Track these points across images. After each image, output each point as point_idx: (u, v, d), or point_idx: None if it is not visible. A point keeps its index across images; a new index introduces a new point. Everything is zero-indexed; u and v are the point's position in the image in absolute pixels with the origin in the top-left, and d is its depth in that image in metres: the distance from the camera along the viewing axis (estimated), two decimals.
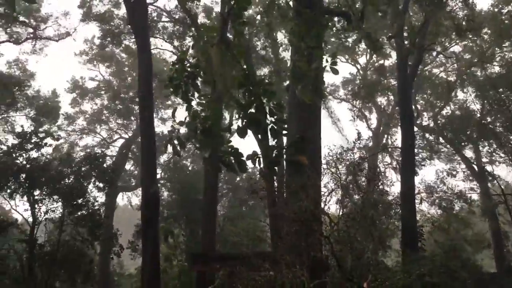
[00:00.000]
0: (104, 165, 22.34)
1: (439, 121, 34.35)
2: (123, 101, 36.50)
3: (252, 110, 5.27)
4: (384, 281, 10.17)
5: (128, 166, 39.59)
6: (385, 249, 12.70)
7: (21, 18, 30.29)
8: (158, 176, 29.14)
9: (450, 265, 14.04)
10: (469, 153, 34.35)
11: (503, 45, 30.35)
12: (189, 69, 5.63)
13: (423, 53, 23.67)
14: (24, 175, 19.78)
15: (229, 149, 5.19)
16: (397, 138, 36.26)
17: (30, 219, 19.99)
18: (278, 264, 9.92)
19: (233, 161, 5.18)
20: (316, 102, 12.62)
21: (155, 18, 29.41)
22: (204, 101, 5.67)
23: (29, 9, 30.69)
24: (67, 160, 21.59)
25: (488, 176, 32.67)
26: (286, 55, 27.38)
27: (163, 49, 33.35)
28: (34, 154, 20.89)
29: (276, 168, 5.84)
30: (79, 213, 20.50)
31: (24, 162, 20.26)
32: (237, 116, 5.56)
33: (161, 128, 42.05)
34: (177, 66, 5.58)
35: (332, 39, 28.33)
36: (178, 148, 5.40)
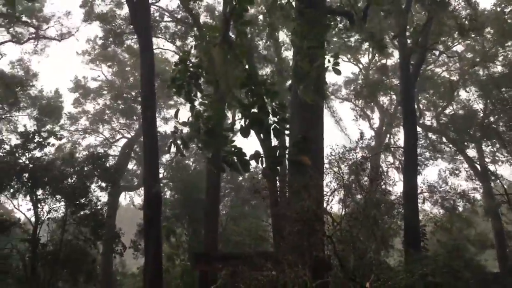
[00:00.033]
0: (107, 164, 22.39)
1: (441, 121, 34.28)
2: (125, 101, 36.55)
3: (255, 110, 5.27)
4: (386, 281, 10.14)
5: (131, 165, 39.69)
6: (387, 249, 12.66)
7: (24, 18, 30.36)
8: (161, 175, 29.17)
9: (453, 265, 14.02)
10: (471, 152, 34.31)
11: (506, 44, 30.27)
12: (191, 69, 5.63)
13: (426, 52, 23.63)
14: (26, 175, 19.81)
15: (233, 149, 5.19)
16: (400, 137, 36.21)
17: (33, 219, 20.01)
18: (281, 264, 9.91)
19: (236, 161, 5.18)
20: (319, 102, 12.62)
21: (157, 18, 29.43)
22: (206, 101, 5.67)
23: (31, 9, 30.74)
24: (69, 160, 21.63)
25: (491, 176, 32.61)
26: (288, 54, 27.40)
27: (165, 49, 33.40)
28: (37, 154, 20.97)
29: (278, 167, 5.83)
30: (81, 213, 20.53)
31: (27, 162, 20.30)
32: (239, 116, 5.56)
33: (163, 127, 42.15)
34: (179, 66, 5.58)
35: (335, 39, 28.31)
36: (182, 148, 5.40)
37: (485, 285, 17.09)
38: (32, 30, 31.80)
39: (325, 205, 11.31)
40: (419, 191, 20.20)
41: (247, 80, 5.38)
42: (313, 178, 10.78)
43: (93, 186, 21.36)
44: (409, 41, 21.75)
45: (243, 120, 5.25)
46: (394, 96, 35.47)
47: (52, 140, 22.15)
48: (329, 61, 7.53)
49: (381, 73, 32.67)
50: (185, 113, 5.75)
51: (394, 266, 14.99)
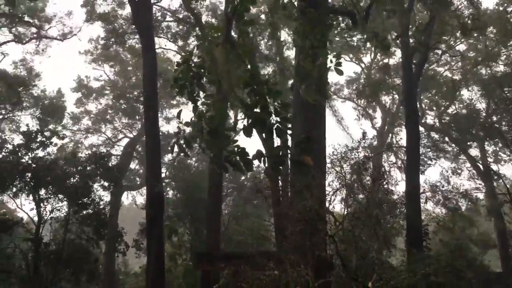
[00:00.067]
0: (109, 164, 22.43)
1: (444, 120, 34.23)
2: (127, 101, 36.59)
3: (257, 110, 5.28)
4: (389, 281, 10.13)
5: (133, 165, 39.72)
6: (389, 249, 12.65)
7: (26, 18, 30.42)
8: (163, 175, 29.22)
9: (455, 265, 14.01)
10: (474, 152, 34.24)
11: (509, 43, 30.20)
12: (194, 69, 5.64)
13: (429, 52, 23.59)
14: (29, 174, 19.86)
15: (236, 149, 5.20)
16: (402, 137, 36.19)
17: (36, 218, 20.09)
18: (283, 263, 9.92)
19: (239, 160, 5.19)
20: (321, 102, 12.63)
21: (159, 18, 29.46)
22: (209, 101, 5.68)
23: (33, 9, 30.79)
24: (72, 160, 21.68)
25: (493, 175, 32.55)
26: (290, 53, 27.40)
27: (167, 48, 33.42)
28: (39, 153, 21.02)
29: (280, 167, 5.83)
30: (84, 212, 20.59)
31: (30, 162, 20.35)
32: (242, 115, 5.56)
33: (165, 127, 42.17)
34: (182, 66, 5.59)
35: (337, 38, 28.30)
36: (185, 148, 5.41)
37: (487, 284, 17.06)
38: (34, 30, 31.84)
39: (327, 204, 11.32)
40: (421, 190, 20.17)
41: (250, 79, 5.39)
42: (315, 178, 10.78)
43: (95, 185, 21.41)
44: (411, 40, 21.72)
45: (245, 119, 5.25)
46: (396, 96, 35.44)
47: (54, 139, 22.21)
48: (331, 61, 7.54)
49: (383, 72, 32.62)
50: (187, 113, 5.76)
51: (397, 266, 14.98)
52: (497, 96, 30.63)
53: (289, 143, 12.72)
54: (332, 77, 68.70)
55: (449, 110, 35.01)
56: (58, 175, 20.10)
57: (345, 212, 11.46)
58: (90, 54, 36.35)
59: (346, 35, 24.80)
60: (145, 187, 26.04)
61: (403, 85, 23.04)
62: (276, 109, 5.27)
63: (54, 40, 32.64)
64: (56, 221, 20.91)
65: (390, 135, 37.62)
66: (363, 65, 38.23)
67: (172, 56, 35.21)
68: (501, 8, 28.66)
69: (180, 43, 30.95)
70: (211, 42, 5.97)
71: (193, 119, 5.55)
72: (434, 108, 35.60)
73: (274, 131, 5.28)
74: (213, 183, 21.37)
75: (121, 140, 39.93)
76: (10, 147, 20.86)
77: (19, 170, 19.71)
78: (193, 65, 5.77)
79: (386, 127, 37.32)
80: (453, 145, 34.28)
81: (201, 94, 5.79)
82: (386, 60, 34.70)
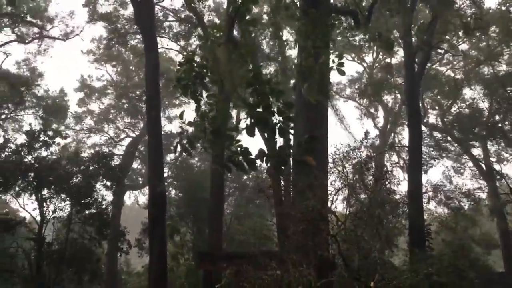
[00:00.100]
0: (112, 164, 22.46)
1: (446, 120, 34.17)
2: (130, 100, 36.64)
3: (260, 110, 5.28)
4: (391, 280, 10.12)
5: (135, 164, 39.79)
6: (392, 248, 12.64)
7: (28, 18, 30.48)
8: (165, 174, 29.23)
9: (458, 265, 13.99)
10: (476, 151, 34.20)
11: (511, 43, 30.13)
12: (196, 69, 5.64)
13: (431, 51, 23.55)
14: (32, 174, 19.90)
15: (238, 149, 5.20)
16: (405, 136, 36.17)
17: (38, 218, 20.11)
18: (285, 263, 9.92)
19: (242, 160, 5.20)
20: (323, 102, 12.62)
21: (161, 18, 29.48)
22: (212, 101, 5.69)
23: (36, 9, 30.86)
24: (75, 159, 21.71)
25: (496, 175, 32.49)
26: (292, 52, 27.37)
27: (169, 48, 33.45)
28: (42, 153, 21.07)
29: (283, 167, 5.84)
30: (87, 212, 20.63)
31: (32, 161, 20.39)
32: (244, 115, 5.57)
33: (168, 127, 42.23)
34: (185, 66, 5.59)
35: (339, 38, 28.28)
36: (189, 148, 5.42)
37: (490, 284, 17.04)
38: (36, 30, 31.89)
39: (329, 204, 11.32)
40: (423, 190, 20.15)
41: (252, 79, 5.39)
42: (317, 178, 10.78)
43: (98, 185, 21.45)
44: (414, 39, 21.68)
45: (248, 119, 5.26)
46: (398, 95, 35.40)
47: (57, 139, 22.24)
48: (333, 61, 7.54)
49: (386, 71, 32.58)
50: (189, 113, 5.77)
51: (399, 266, 14.97)
52: (500, 96, 30.58)
53: (291, 142, 12.72)
54: (334, 76, 68.65)
55: (452, 110, 34.93)
56: (60, 175, 20.14)
57: (347, 212, 11.46)
58: (93, 54, 36.44)
59: (348, 35, 24.76)
60: (147, 187, 26.10)
61: (405, 84, 23.00)
62: (279, 108, 5.28)
63: (57, 40, 32.73)
64: (59, 220, 20.94)
65: (393, 134, 37.60)
66: (365, 65, 38.21)
67: (174, 55, 35.30)
68: (503, 8, 28.59)
69: (182, 42, 30.99)
70: (213, 41, 5.97)
71: (195, 119, 5.55)
72: (437, 108, 35.54)
73: (276, 130, 5.28)
74: (215, 182, 21.39)
75: (124, 140, 40.05)
76: (13, 146, 20.90)
77: (22, 170, 19.74)
78: (195, 65, 5.77)
79: (388, 127, 37.29)
80: (456, 144, 34.23)
81: (204, 94, 5.80)
82: (388, 60, 34.67)
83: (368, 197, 11.46)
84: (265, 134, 19.13)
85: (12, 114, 32.17)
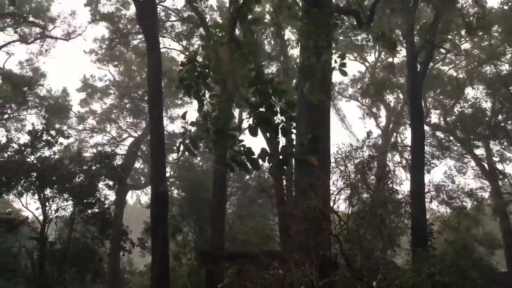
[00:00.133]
0: (114, 163, 22.48)
1: (449, 119, 34.11)
2: (132, 100, 36.70)
3: (262, 109, 5.28)
4: (393, 280, 10.11)
5: (138, 164, 39.85)
6: (394, 248, 12.63)
7: (31, 18, 30.53)
8: (168, 174, 29.28)
9: (460, 264, 13.96)
10: (479, 151, 34.11)
11: None
12: (199, 69, 5.65)
13: (434, 50, 23.52)
14: (35, 174, 19.94)
15: (241, 148, 5.21)
16: (407, 136, 36.08)
17: (41, 217, 20.14)
18: (287, 263, 9.93)
19: (245, 160, 5.20)
20: (325, 102, 12.63)
21: (163, 18, 29.51)
22: (214, 101, 5.69)
23: (38, 9, 30.91)
24: (77, 159, 21.74)
25: (498, 175, 32.42)
26: (294, 52, 27.36)
27: (171, 48, 33.48)
28: (45, 153, 21.10)
29: (285, 166, 5.85)
30: (89, 211, 20.66)
31: (35, 161, 20.43)
32: (247, 115, 5.57)
33: (170, 126, 42.27)
34: (187, 66, 5.60)
35: (341, 37, 28.25)
36: (192, 148, 5.42)
37: (493, 284, 17.00)
38: (39, 30, 31.92)
39: (331, 204, 11.32)
40: (426, 190, 20.12)
41: (255, 79, 5.39)
42: (319, 177, 10.78)
43: (100, 184, 21.47)
44: (416, 39, 21.65)
45: (251, 119, 5.26)
46: (401, 95, 35.35)
47: (60, 139, 22.27)
48: (335, 61, 7.53)
49: (388, 71, 32.54)
50: (192, 113, 5.78)
51: (401, 265, 14.96)
52: (502, 95, 30.51)
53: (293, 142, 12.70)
54: (337, 76, 68.59)
55: (454, 109, 34.85)
56: (63, 175, 20.17)
57: (350, 212, 11.46)
58: (95, 54, 36.49)
59: (350, 34, 24.73)
60: (149, 186, 26.15)
61: (407, 84, 22.98)
62: (281, 108, 5.28)
63: (59, 40, 32.76)
64: (61, 220, 20.98)
65: (395, 134, 37.54)
66: (367, 64, 38.18)
67: (176, 55, 35.33)
68: (505, 7, 28.52)
69: (184, 42, 31.01)
70: (215, 41, 5.98)
71: (198, 118, 5.56)
72: (439, 107, 35.47)
73: (279, 130, 5.29)
74: (218, 182, 21.42)
75: (126, 140, 40.11)
76: (15, 146, 20.95)
77: (25, 169, 19.78)
78: (197, 65, 5.78)
79: (390, 126, 37.24)
80: (458, 144, 34.16)
81: (207, 94, 5.80)
82: (390, 59, 34.61)
83: (370, 196, 11.46)
84: (267, 134, 19.15)
85: (14, 114, 32.23)
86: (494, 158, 33.60)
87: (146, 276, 26.43)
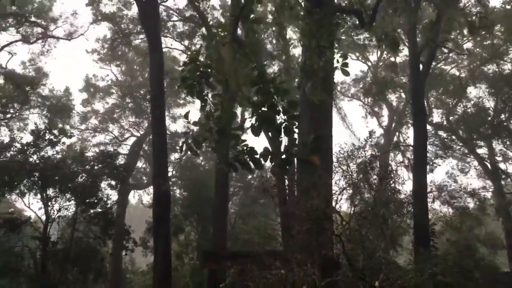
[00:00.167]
0: (116, 163, 22.51)
1: (451, 118, 34.03)
2: (134, 99, 36.72)
3: (265, 109, 5.28)
4: (396, 280, 10.10)
5: (140, 164, 39.87)
6: (396, 248, 12.62)
7: (33, 18, 30.59)
8: (170, 174, 29.31)
9: (463, 264, 13.93)
10: (481, 150, 34.02)
11: None
12: (201, 69, 5.65)
13: (436, 50, 23.48)
14: (37, 174, 19.97)
15: (244, 148, 5.21)
16: (409, 135, 36.03)
17: (43, 217, 20.18)
18: (289, 263, 9.93)
19: (248, 159, 5.20)
20: (327, 101, 12.62)
21: (165, 18, 29.53)
22: (216, 101, 5.69)
23: (40, 9, 30.97)
24: (80, 159, 21.77)
25: (501, 174, 32.34)
26: (296, 51, 27.34)
27: (173, 48, 33.49)
28: (48, 152, 21.13)
29: (287, 166, 5.85)
30: (91, 211, 20.68)
31: (38, 161, 20.46)
32: (249, 114, 5.58)
33: (172, 126, 42.28)
34: (189, 66, 5.60)
35: (343, 37, 28.21)
36: (195, 148, 5.42)
37: (495, 284, 16.95)
38: (41, 30, 31.96)
39: (334, 204, 11.31)
40: (428, 189, 20.10)
41: (257, 78, 5.39)
42: (322, 177, 10.77)
43: (103, 184, 21.50)
44: (418, 38, 21.60)
45: (253, 119, 5.26)
46: (403, 94, 35.31)
47: (62, 138, 22.30)
48: (337, 61, 7.53)
49: (391, 70, 32.49)
50: (194, 112, 5.77)
51: (404, 265, 14.94)
52: (505, 94, 30.45)
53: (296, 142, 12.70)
54: (339, 76, 68.55)
55: (457, 109, 34.78)
56: (65, 174, 20.20)
57: (352, 211, 11.45)
58: (97, 54, 36.53)
59: (352, 34, 24.69)
60: (151, 186, 26.14)
61: (410, 83, 22.93)
62: (284, 107, 5.28)
63: (61, 39, 32.82)
64: (64, 220, 21.00)
65: (397, 133, 37.49)
66: (369, 64, 38.13)
67: (177, 55, 35.35)
68: (508, 7, 28.46)
69: (186, 42, 31.05)
70: (218, 41, 5.97)
71: (200, 118, 5.56)
72: (441, 107, 35.39)
73: (282, 129, 5.28)
74: (220, 182, 21.41)
75: (128, 139, 40.14)
76: (18, 146, 20.99)
77: (27, 169, 19.82)
78: (200, 64, 5.77)
79: (393, 126, 37.19)
80: (461, 143, 34.08)
81: (209, 94, 5.80)
82: (392, 58, 34.56)
83: (372, 196, 11.45)
84: (269, 133, 19.17)
85: (17, 114, 32.30)
86: (496, 158, 33.54)
87: (148, 275, 26.44)
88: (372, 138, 15.85)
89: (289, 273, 9.77)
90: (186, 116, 5.38)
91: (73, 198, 20.42)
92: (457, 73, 34.63)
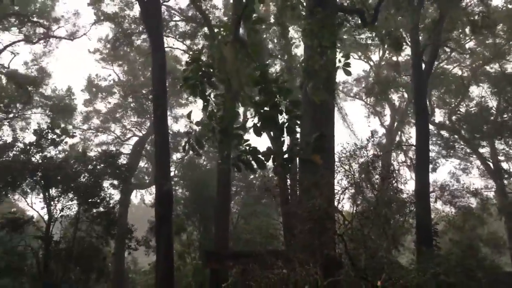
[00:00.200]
0: (119, 163, 22.54)
1: (454, 118, 33.97)
2: (137, 99, 36.75)
3: (267, 108, 5.28)
4: (398, 280, 10.09)
5: (142, 163, 39.90)
6: (398, 248, 12.60)
7: (35, 19, 30.64)
8: (172, 173, 29.30)
9: (466, 264, 13.92)
10: (483, 150, 33.95)
11: None
12: (203, 68, 5.65)
13: (439, 49, 23.43)
14: (39, 173, 20.01)
15: (247, 148, 5.21)
16: (412, 135, 35.96)
17: (46, 217, 20.21)
18: (291, 262, 9.93)
19: (251, 159, 5.20)
20: (329, 101, 12.61)
21: (167, 17, 29.55)
22: (219, 101, 5.70)
23: (42, 9, 31.02)
24: (82, 158, 21.80)
25: (504, 174, 32.27)
26: (298, 51, 27.33)
27: (175, 47, 33.50)
28: (50, 152, 21.17)
29: (289, 165, 5.86)
30: (94, 211, 20.72)
31: (40, 161, 20.50)
32: (250, 114, 5.58)
33: (174, 126, 42.31)
34: (192, 66, 5.60)
35: (345, 36, 28.18)
36: (197, 148, 5.43)
37: (497, 284, 16.92)
38: (43, 30, 31.99)
39: (336, 203, 11.30)
40: (431, 189, 20.05)
41: (260, 78, 5.39)
42: (324, 176, 10.77)
43: (105, 184, 21.55)
44: (421, 37, 21.57)
45: (256, 118, 5.26)
46: (405, 94, 35.24)
47: (65, 138, 22.33)
48: (339, 61, 7.52)
49: (393, 70, 32.44)
50: (196, 112, 5.76)
51: (406, 265, 14.92)
52: (508, 94, 30.39)
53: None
54: (341, 75, 68.43)
55: (459, 108, 34.71)
56: (68, 174, 20.23)
57: (354, 211, 11.44)
58: (99, 53, 36.57)
59: (355, 33, 24.68)
60: (154, 186, 26.17)
61: (412, 82, 22.88)
62: (286, 107, 5.28)
63: (64, 39, 32.85)
64: (66, 219, 21.05)
65: (399, 133, 37.43)
66: (371, 63, 38.08)
67: (179, 54, 35.36)
68: (510, 6, 28.39)
69: (188, 42, 31.05)
70: (220, 40, 5.98)
71: (203, 118, 5.57)
72: (444, 106, 35.33)
73: (284, 129, 5.28)
74: (222, 181, 21.41)
75: (130, 139, 40.17)
76: (21, 145, 21.02)
77: (30, 169, 19.86)
78: (202, 64, 5.77)
79: (395, 125, 37.14)
80: (463, 143, 34.02)
81: (212, 94, 5.81)
82: (395, 58, 34.49)
83: (375, 196, 11.44)
84: (272, 133, 19.16)
85: (19, 114, 32.36)
86: (499, 157, 33.46)
87: (151, 275, 26.45)
88: (374, 138, 15.81)
89: (291, 272, 9.77)
90: (188, 116, 5.39)
91: (75, 197, 20.47)
92: (460, 73, 34.59)
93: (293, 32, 26.90)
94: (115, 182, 21.92)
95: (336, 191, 11.62)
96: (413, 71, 22.23)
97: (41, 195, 20.45)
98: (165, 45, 23.66)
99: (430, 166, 25.03)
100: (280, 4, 15.45)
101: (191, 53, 28.34)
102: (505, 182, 32.34)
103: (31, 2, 29.98)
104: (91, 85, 38.53)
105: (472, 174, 34.91)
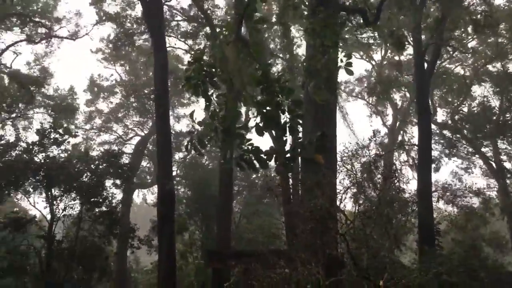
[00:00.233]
0: (121, 162, 22.58)
1: (456, 117, 33.92)
2: (139, 99, 36.80)
3: (269, 108, 5.28)
4: (400, 279, 10.09)
5: (144, 163, 39.95)
6: (400, 247, 12.59)
7: (37, 19, 30.69)
8: (174, 173, 29.34)
9: (468, 264, 13.90)
10: (486, 149, 33.86)
11: None
12: (205, 68, 5.66)
13: (441, 48, 23.40)
14: (42, 173, 20.05)
15: (249, 147, 5.22)
16: (414, 134, 35.90)
17: (49, 216, 20.26)
18: (294, 262, 9.94)
19: (253, 159, 5.21)
20: (331, 100, 12.61)
21: (169, 17, 29.56)
22: (221, 100, 5.71)
23: (44, 9, 31.07)
24: (84, 158, 21.85)
25: (506, 173, 32.22)
26: (299, 50, 27.32)
27: (177, 47, 33.52)
28: (52, 152, 21.19)
29: (291, 164, 5.87)
30: (96, 210, 20.75)
31: (43, 160, 20.55)
32: (253, 114, 5.58)
33: (176, 125, 42.34)
34: (194, 65, 5.61)
35: (347, 36, 28.16)
36: (199, 147, 5.44)
37: (500, 284, 16.89)
38: (45, 30, 32.04)
39: (338, 203, 11.30)
40: (433, 188, 20.02)
41: (262, 77, 5.40)
42: (326, 176, 10.77)
43: (107, 183, 21.58)
44: (423, 37, 21.54)
45: (258, 118, 5.26)
46: (407, 93, 35.20)
47: (67, 138, 22.36)
48: (341, 61, 7.52)
49: (396, 69, 32.40)
50: (198, 112, 5.77)
51: (408, 265, 14.91)
52: (510, 93, 30.34)
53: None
54: (343, 75, 68.43)
55: (462, 107, 34.66)
56: (70, 174, 20.26)
57: (356, 211, 11.44)
58: (102, 53, 36.63)
59: (357, 33, 24.65)
60: (156, 185, 26.21)
61: (415, 82, 22.87)
62: (288, 106, 5.28)
63: (66, 39, 32.89)
64: (69, 218, 21.09)
65: (402, 132, 37.38)
66: (373, 62, 38.04)
67: (181, 54, 35.39)
68: None
69: (190, 41, 31.06)
70: (222, 40, 5.98)
71: (205, 118, 5.58)
72: (446, 106, 35.28)
73: (287, 129, 5.29)
74: (224, 181, 21.44)
75: (132, 139, 40.22)
76: (24, 145, 21.07)
77: (32, 168, 19.90)
78: (204, 63, 5.78)
79: (397, 125, 37.10)
80: (465, 142, 33.97)
81: (214, 94, 5.81)
82: (397, 57, 34.44)
83: (377, 195, 11.43)
84: (274, 133, 19.15)
85: (22, 113, 32.44)
86: (501, 157, 33.41)
87: (153, 274, 26.51)
88: (376, 137, 15.78)
89: (293, 272, 9.78)
90: (191, 115, 5.40)
91: (78, 197, 20.50)
92: (462, 72, 34.52)
93: (295, 32, 26.91)
94: (118, 181, 21.94)
95: (338, 190, 11.62)
96: (415, 71, 22.21)
97: (44, 195, 20.47)
98: (167, 45, 23.68)
99: (433, 165, 24.96)
100: (282, 4, 15.44)
101: (193, 52, 28.35)
102: (508, 181, 32.27)
103: (33, 2, 30.04)
104: (93, 85, 38.61)
105: (474, 173, 34.88)
